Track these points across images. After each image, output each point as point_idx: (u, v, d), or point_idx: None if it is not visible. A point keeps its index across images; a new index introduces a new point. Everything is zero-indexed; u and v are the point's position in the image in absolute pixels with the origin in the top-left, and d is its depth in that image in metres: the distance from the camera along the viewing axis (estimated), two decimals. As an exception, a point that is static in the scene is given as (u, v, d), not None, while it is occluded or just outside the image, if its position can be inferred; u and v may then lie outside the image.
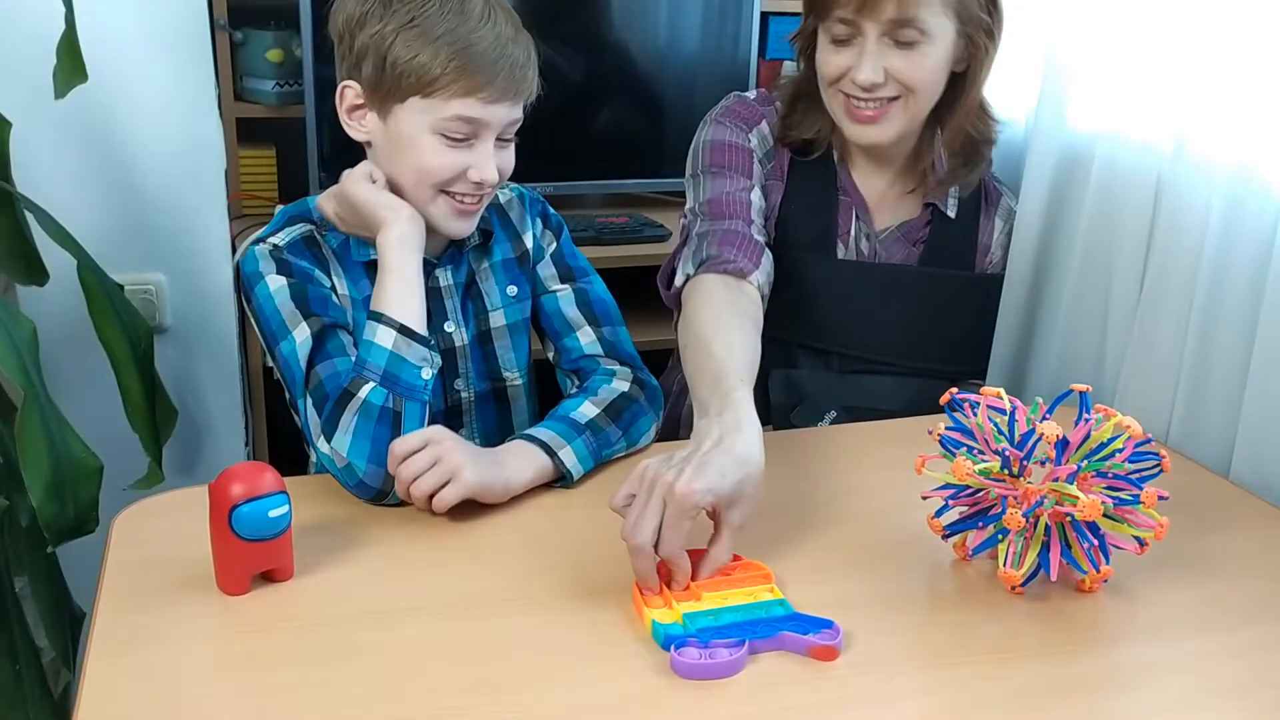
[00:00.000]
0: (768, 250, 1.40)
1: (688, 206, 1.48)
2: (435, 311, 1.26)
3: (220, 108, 1.83)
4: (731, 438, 1.00)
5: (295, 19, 2.01)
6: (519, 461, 1.15)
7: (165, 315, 1.74)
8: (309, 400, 1.13)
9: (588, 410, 1.22)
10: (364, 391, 1.10)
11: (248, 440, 1.91)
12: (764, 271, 1.36)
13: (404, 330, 1.13)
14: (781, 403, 1.48)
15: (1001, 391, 1.04)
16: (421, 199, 1.20)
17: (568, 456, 1.17)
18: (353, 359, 1.15)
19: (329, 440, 1.10)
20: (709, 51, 2.29)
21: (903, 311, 1.50)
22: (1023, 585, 1.01)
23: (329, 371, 1.15)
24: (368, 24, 1.16)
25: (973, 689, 0.90)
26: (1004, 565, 0.99)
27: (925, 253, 1.51)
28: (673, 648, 0.90)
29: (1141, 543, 1.00)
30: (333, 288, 1.22)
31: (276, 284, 1.19)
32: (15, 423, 1.20)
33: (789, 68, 1.96)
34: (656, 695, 0.87)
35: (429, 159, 1.17)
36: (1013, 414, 1.01)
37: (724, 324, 1.23)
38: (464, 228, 1.24)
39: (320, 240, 1.24)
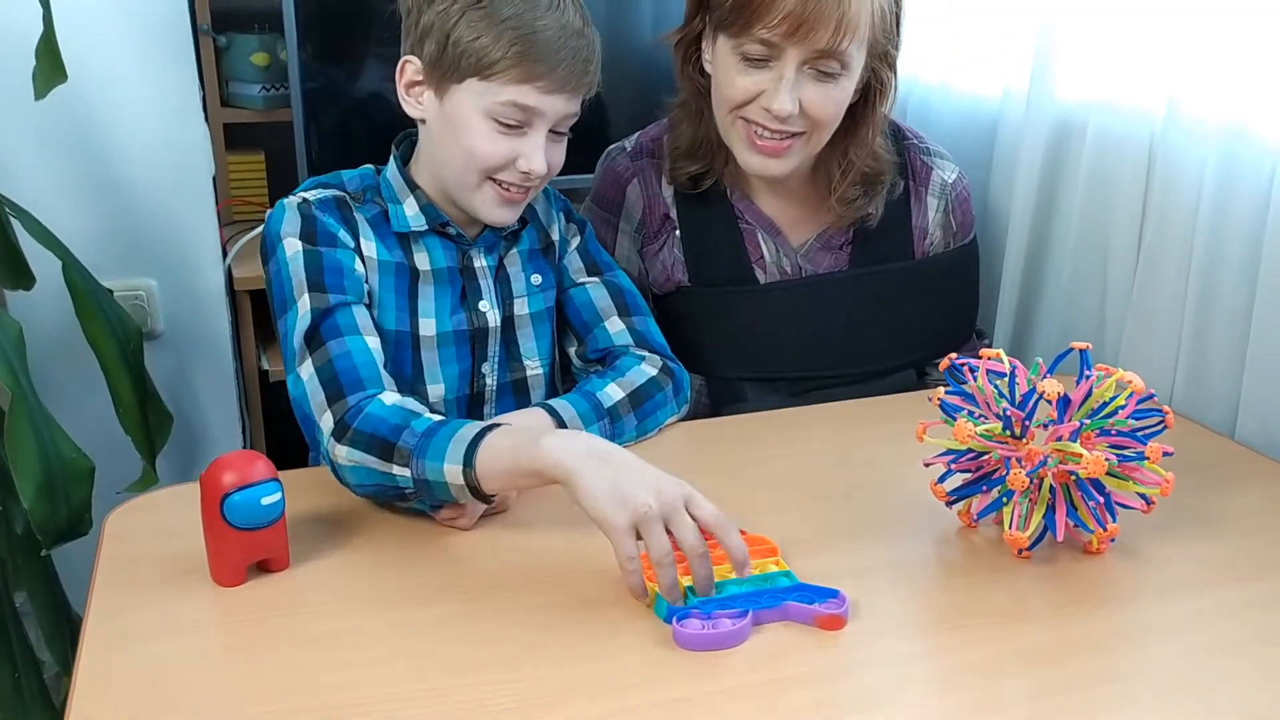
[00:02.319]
0: None
1: None
2: (471, 291, 1.25)
3: (206, 113, 1.83)
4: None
5: (279, 22, 2.00)
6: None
7: (158, 321, 1.73)
8: (310, 374, 1.10)
9: (613, 392, 1.22)
10: (396, 470, 1.02)
11: (245, 445, 1.90)
12: None
13: (475, 491, 1.00)
14: None
15: (1001, 353, 1.02)
16: (468, 184, 1.19)
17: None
18: (366, 338, 1.12)
19: (337, 442, 1.05)
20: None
21: (843, 318, 1.43)
22: (1029, 549, 1.00)
23: (339, 350, 1.10)
24: (436, 1, 1.15)
25: (982, 651, 0.88)
26: (1009, 528, 0.98)
27: (854, 255, 1.43)
28: (675, 619, 0.88)
29: (1148, 501, 0.99)
30: (357, 249, 1.19)
31: (293, 249, 1.15)
32: (4, 425, 1.19)
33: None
34: (660, 667, 0.86)
35: (479, 143, 1.16)
36: (1013, 374, 0.99)
37: None
38: (507, 216, 1.22)
39: (350, 203, 1.22)
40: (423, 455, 1.01)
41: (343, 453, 1.05)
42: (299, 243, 1.16)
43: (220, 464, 0.94)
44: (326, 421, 1.07)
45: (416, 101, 1.20)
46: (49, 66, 1.28)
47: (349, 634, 0.90)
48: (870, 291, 1.43)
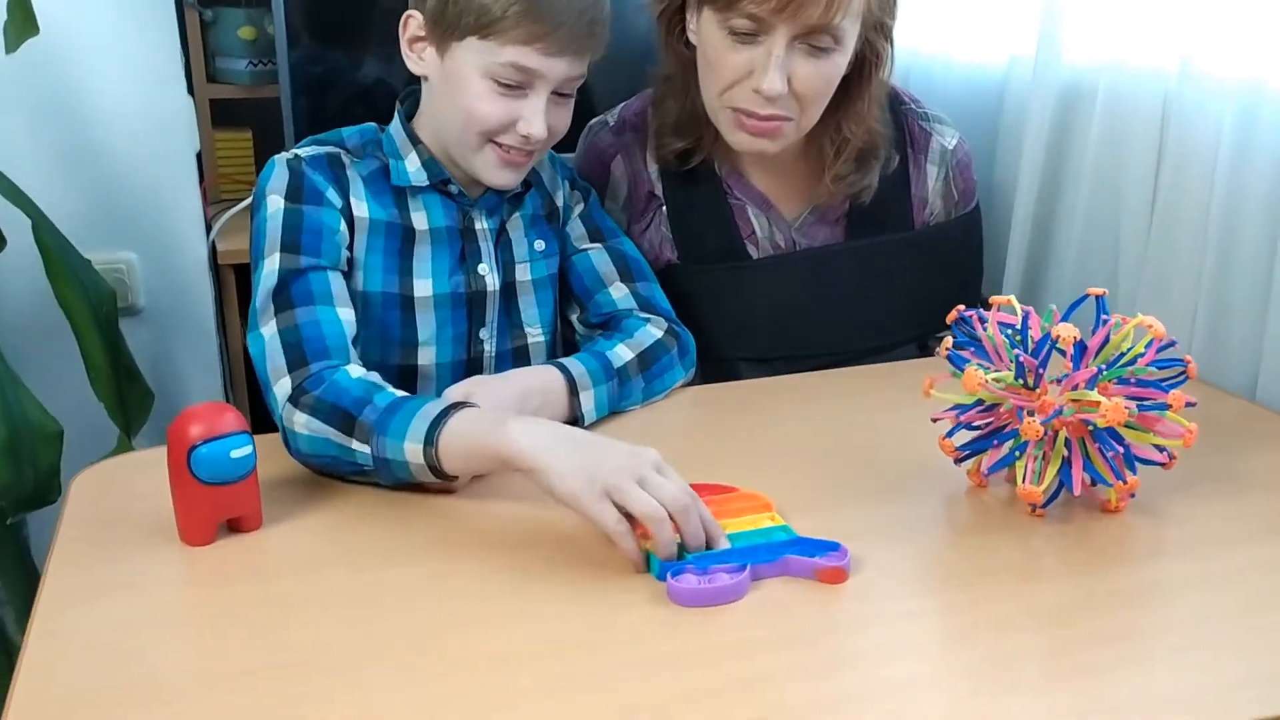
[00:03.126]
0: None
1: None
2: (470, 254, 1.21)
3: (192, 88, 1.78)
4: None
5: (266, -5, 1.96)
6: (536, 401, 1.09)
7: (138, 295, 1.68)
8: (272, 334, 1.05)
9: (623, 353, 1.18)
10: (356, 445, 0.97)
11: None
12: None
13: (436, 471, 0.96)
14: None
15: (1013, 299, 0.97)
16: (468, 145, 1.15)
17: (587, 400, 1.13)
18: (338, 309, 1.08)
19: (295, 408, 1.00)
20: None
21: (839, 293, 1.36)
22: (1043, 506, 0.95)
23: (308, 318, 1.06)
24: None
25: (994, 608, 0.83)
26: (1022, 482, 0.92)
27: (850, 226, 1.37)
28: (669, 575, 0.83)
29: (1170, 456, 0.93)
30: (346, 209, 1.15)
31: (275, 206, 1.11)
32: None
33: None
34: (654, 624, 0.80)
35: (477, 104, 1.12)
36: (1025, 320, 0.94)
37: None
38: (509, 179, 1.18)
39: (345, 161, 1.17)
40: (384, 432, 0.96)
41: (301, 420, 1.00)
42: (282, 200, 1.12)
43: (188, 415, 0.89)
44: (284, 386, 1.03)
45: (419, 57, 1.16)
46: (20, 18, 1.24)
47: (320, 593, 0.85)
48: (868, 264, 1.37)
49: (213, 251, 1.81)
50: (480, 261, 1.21)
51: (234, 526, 0.93)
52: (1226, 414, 1.17)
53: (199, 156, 1.88)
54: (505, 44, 1.09)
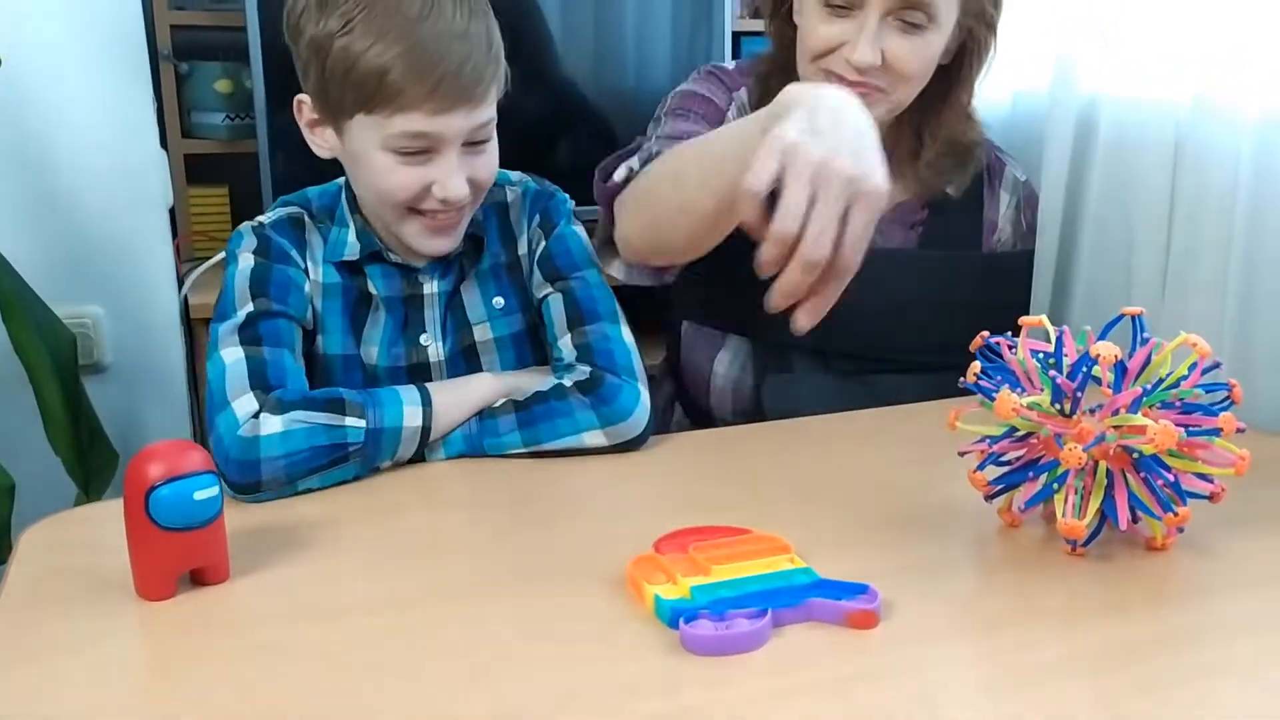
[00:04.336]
0: None
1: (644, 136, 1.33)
2: (413, 323, 1.14)
3: (166, 142, 1.73)
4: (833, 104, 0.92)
5: (245, 49, 1.90)
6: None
7: (104, 351, 1.61)
8: (237, 359, 1.00)
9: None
10: (349, 421, 0.98)
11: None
12: None
13: (425, 435, 1.03)
14: (777, 413, 1.31)
15: (1044, 319, 0.90)
16: (390, 218, 1.09)
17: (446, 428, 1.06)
18: (299, 361, 1.06)
19: (270, 415, 0.97)
20: (680, 70, 2.20)
21: (905, 300, 1.34)
22: (1085, 544, 0.87)
23: (274, 357, 1.03)
24: (305, 28, 1.03)
25: (1035, 653, 0.75)
26: (1063, 516, 0.85)
27: (925, 235, 1.37)
28: (682, 621, 0.75)
29: (1219, 486, 0.86)
30: (306, 271, 1.12)
31: (246, 262, 1.09)
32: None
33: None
34: (667, 675, 0.72)
35: (384, 179, 1.05)
36: (1059, 340, 0.87)
37: None
38: (442, 245, 1.11)
39: (307, 224, 1.13)
40: (379, 404, 0.99)
41: (276, 421, 0.96)
42: (253, 257, 1.10)
43: (146, 453, 0.81)
44: (247, 403, 0.98)
45: (321, 141, 1.09)
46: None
47: (294, 649, 0.76)
48: (937, 275, 1.36)
49: (185, 309, 1.73)
50: (423, 331, 1.15)
51: (197, 578, 0.84)
52: (1262, 450, 1.09)
53: (172, 213, 1.82)
54: (391, 115, 1.01)
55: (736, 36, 2.27)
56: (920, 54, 1.22)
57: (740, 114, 1.35)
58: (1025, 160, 1.49)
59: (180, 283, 1.74)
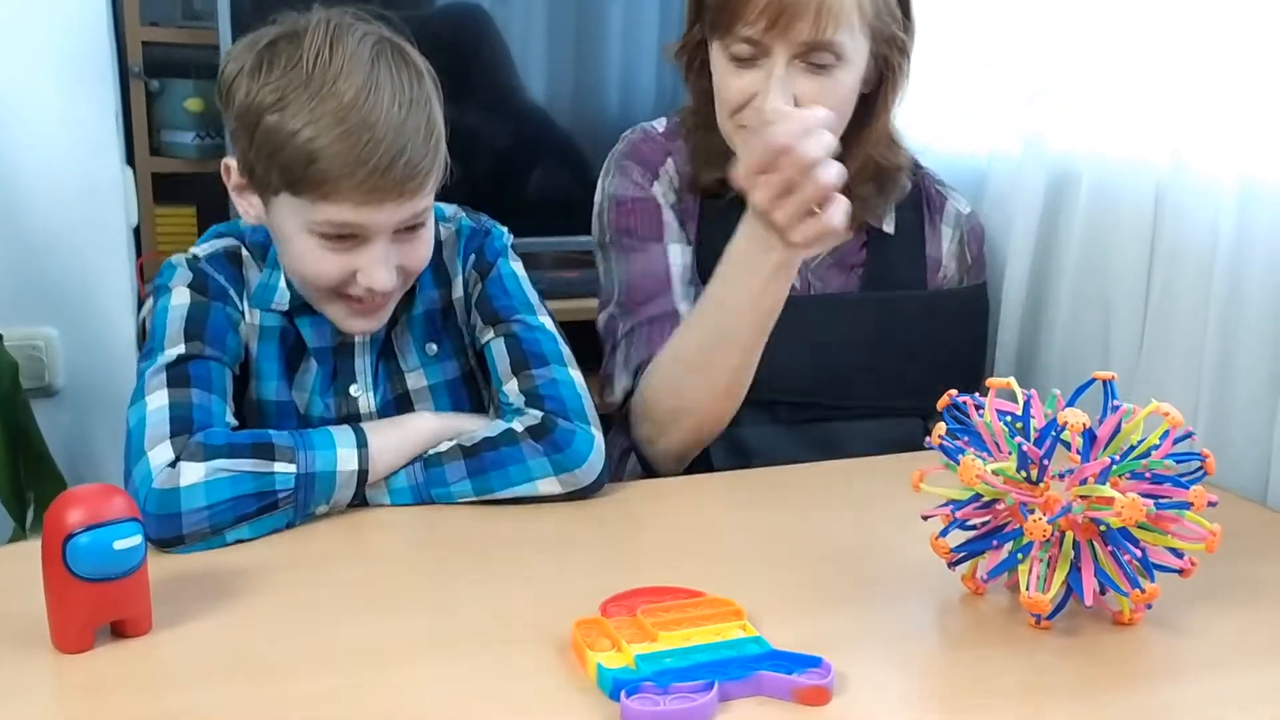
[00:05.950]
0: None
1: (604, 296, 1.31)
2: (342, 373, 1.10)
3: (134, 160, 1.69)
4: None
5: (217, 68, 1.87)
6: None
7: (56, 374, 1.56)
8: (160, 405, 0.96)
9: (447, 443, 1.04)
10: (279, 467, 0.94)
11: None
12: None
13: (362, 479, 0.99)
14: (727, 467, 1.25)
15: (1012, 381, 0.87)
16: (312, 298, 1.05)
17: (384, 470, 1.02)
18: (229, 408, 1.01)
19: (189, 463, 0.92)
20: (665, 100, 2.17)
21: (849, 345, 1.30)
22: (1049, 617, 0.83)
23: (201, 400, 0.98)
24: (236, 94, 0.97)
25: (998, 735, 0.71)
26: (1026, 589, 0.81)
27: (865, 276, 1.33)
28: (623, 693, 0.71)
29: (1188, 561, 0.83)
30: (243, 313, 1.08)
31: (180, 298, 1.05)
32: None
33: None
34: (602, 753, 0.68)
35: (307, 264, 0.99)
36: (1027, 405, 0.84)
37: None
38: (366, 327, 1.06)
39: (244, 259, 1.09)
40: (311, 447, 0.95)
41: (195, 470, 0.92)
42: (189, 292, 1.05)
43: (66, 498, 0.77)
44: (163, 452, 0.93)
45: (248, 206, 1.03)
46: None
47: (216, 711, 0.71)
48: (881, 317, 1.33)
49: (142, 332, 1.69)
50: (353, 381, 1.11)
51: (118, 630, 0.80)
52: (1239, 519, 1.06)
53: (137, 232, 1.78)
54: (316, 201, 0.95)
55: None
56: (833, 93, 1.19)
57: (670, 188, 1.32)
58: (995, 216, 1.47)
59: (140, 304, 1.69)
